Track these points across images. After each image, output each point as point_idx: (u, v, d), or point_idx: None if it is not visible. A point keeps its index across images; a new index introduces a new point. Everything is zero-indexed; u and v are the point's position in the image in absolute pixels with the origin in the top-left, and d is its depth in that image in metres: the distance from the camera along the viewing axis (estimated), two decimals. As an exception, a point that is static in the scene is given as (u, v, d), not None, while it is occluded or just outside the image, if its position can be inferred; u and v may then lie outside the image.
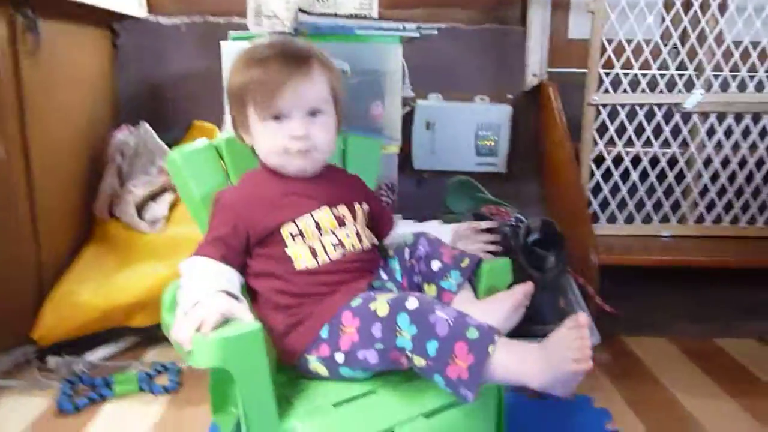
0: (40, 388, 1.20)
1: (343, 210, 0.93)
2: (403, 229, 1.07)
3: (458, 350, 0.73)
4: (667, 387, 1.27)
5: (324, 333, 0.83)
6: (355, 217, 0.95)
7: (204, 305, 0.74)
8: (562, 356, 0.71)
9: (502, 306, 0.87)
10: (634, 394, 1.23)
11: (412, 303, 0.77)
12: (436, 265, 0.92)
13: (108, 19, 1.65)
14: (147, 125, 1.60)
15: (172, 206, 1.48)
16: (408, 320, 0.75)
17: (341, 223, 0.92)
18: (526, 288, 0.88)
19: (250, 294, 0.90)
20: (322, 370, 0.85)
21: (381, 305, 0.78)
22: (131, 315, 1.33)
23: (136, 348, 1.39)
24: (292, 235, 0.88)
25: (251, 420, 0.74)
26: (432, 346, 0.74)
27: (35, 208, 1.33)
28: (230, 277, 0.83)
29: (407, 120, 1.74)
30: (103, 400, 1.16)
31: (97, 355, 1.32)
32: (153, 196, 1.50)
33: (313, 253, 0.88)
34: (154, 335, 1.36)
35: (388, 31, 1.26)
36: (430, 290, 0.93)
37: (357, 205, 0.96)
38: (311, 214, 0.90)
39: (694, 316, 1.60)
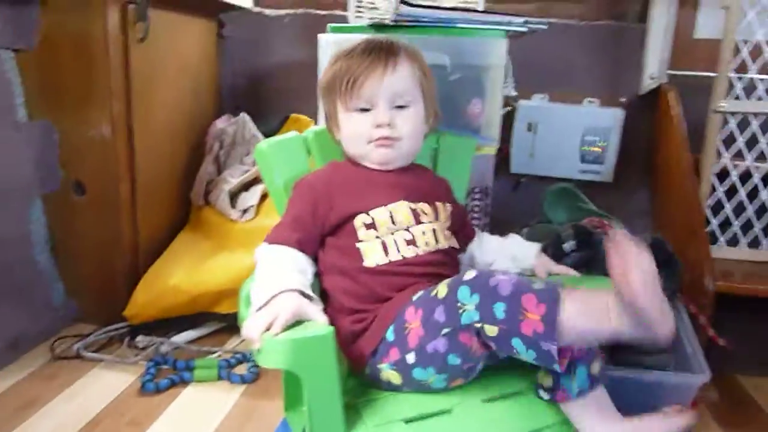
0: (127, 364, 1.24)
1: (422, 206, 0.88)
2: (487, 244, 1.00)
3: (526, 303, 0.67)
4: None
5: (390, 336, 0.78)
6: (436, 216, 0.90)
7: (276, 304, 0.71)
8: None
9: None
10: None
11: (470, 274, 0.72)
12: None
13: (216, 10, 1.69)
14: (246, 115, 1.63)
15: (264, 197, 1.48)
16: (468, 291, 0.70)
17: (418, 219, 0.87)
18: (689, 419, 0.76)
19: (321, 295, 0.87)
20: (395, 377, 0.80)
21: (441, 288, 0.74)
22: (218, 301, 1.35)
23: (221, 334, 1.41)
24: (365, 224, 0.84)
25: (317, 428, 0.70)
26: (499, 308, 0.68)
27: (136, 190, 1.38)
28: (304, 269, 0.81)
29: (508, 120, 1.65)
30: (184, 384, 1.18)
31: (183, 337, 1.35)
32: (246, 186, 1.52)
33: (384, 249, 0.84)
34: (238, 323, 1.38)
35: (492, 25, 1.18)
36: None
37: (440, 204, 0.91)
38: (386, 206, 0.86)
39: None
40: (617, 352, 1.10)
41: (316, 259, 0.86)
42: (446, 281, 0.75)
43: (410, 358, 0.77)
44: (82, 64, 1.28)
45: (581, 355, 0.77)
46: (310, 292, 0.77)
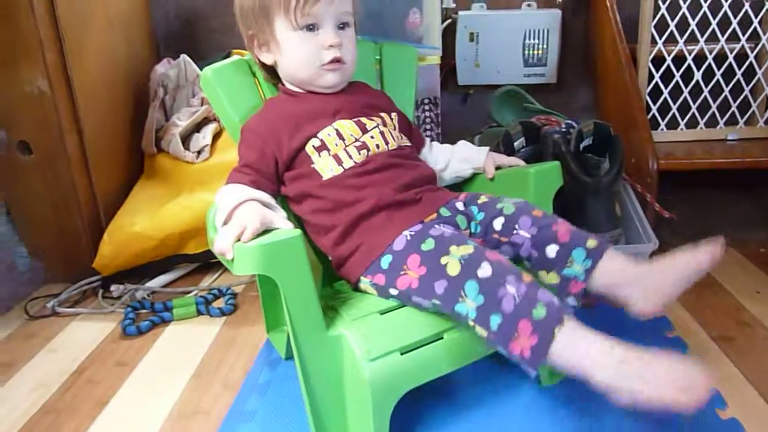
0: (105, 313, 1.25)
1: (365, 119, 0.91)
2: (437, 151, 1.03)
3: (522, 328, 0.68)
4: (732, 293, 1.21)
5: (384, 264, 0.81)
6: (384, 123, 0.92)
7: (240, 215, 0.74)
8: (659, 375, 0.62)
9: (676, 268, 0.78)
10: (695, 302, 1.17)
11: (485, 270, 0.71)
12: (552, 250, 0.81)
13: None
14: (186, 56, 1.59)
15: (216, 135, 1.47)
16: (476, 289, 0.71)
17: (364, 129, 0.89)
18: (715, 250, 0.76)
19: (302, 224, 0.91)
20: (372, 292, 0.85)
21: (453, 263, 0.73)
22: (184, 243, 1.36)
23: (194, 274, 1.43)
24: (315, 148, 0.87)
25: (298, 327, 0.74)
26: (495, 320, 0.69)
27: (84, 145, 1.35)
28: (264, 196, 0.83)
29: (451, 33, 1.66)
30: (165, 324, 1.21)
31: (157, 282, 1.37)
32: (198, 127, 1.51)
33: (338, 161, 0.87)
34: (209, 261, 1.40)
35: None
36: (550, 278, 0.82)
37: (384, 114, 0.94)
38: (332, 125, 0.88)
39: (761, 221, 1.51)
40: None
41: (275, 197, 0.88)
42: (460, 255, 0.73)
43: (393, 291, 0.81)
44: (6, 16, 1.22)
45: (571, 239, 0.80)
46: (270, 200, 0.79)
